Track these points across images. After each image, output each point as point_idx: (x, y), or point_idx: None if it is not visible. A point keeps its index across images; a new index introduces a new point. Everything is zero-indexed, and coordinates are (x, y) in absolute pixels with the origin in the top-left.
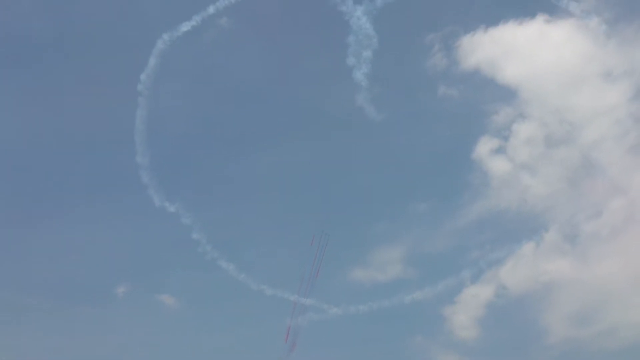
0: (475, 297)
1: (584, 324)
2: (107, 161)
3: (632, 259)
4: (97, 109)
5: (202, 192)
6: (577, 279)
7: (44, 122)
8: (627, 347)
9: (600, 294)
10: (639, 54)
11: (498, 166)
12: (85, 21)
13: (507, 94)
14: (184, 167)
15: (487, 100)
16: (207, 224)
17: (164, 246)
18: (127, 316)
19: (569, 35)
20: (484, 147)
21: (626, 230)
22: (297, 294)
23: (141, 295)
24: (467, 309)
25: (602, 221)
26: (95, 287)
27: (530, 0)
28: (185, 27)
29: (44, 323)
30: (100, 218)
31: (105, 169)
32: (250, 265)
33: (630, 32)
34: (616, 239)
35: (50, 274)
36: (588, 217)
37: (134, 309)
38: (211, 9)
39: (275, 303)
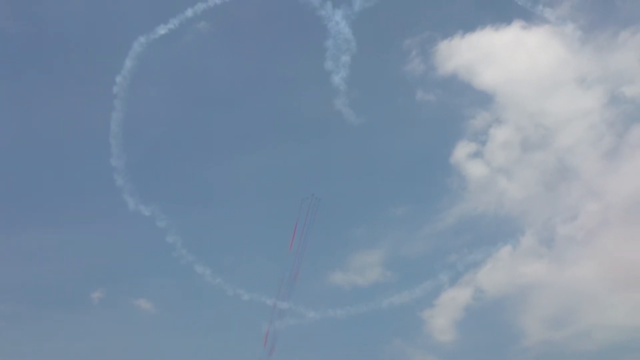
0: (454, 300)
1: (560, 326)
2: (81, 164)
3: (606, 262)
4: (71, 111)
5: (179, 195)
6: (553, 281)
7: (16, 124)
8: (602, 348)
9: (576, 297)
10: (613, 60)
11: (475, 170)
12: (60, 22)
13: (484, 98)
14: (161, 171)
15: (464, 105)
16: (183, 227)
17: (140, 250)
18: (103, 321)
19: (545, 41)
20: (461, 151)
21: (601, 234)
22: (275, 297)
23: (117, 300)
24: (445, 312)
25: (578, 224)
26: (69, 293)
27: (506, 6)
28: (162, 29)
29: (16, 330)
30: (74, 222)
31: (79, 172)
32: (228, 270)
33: (604, 39)
34: (591, 242)
35: (23, 279)
36: (564, 221)
37: (110, 314)
38: (189, 13)
39: (253, 307)
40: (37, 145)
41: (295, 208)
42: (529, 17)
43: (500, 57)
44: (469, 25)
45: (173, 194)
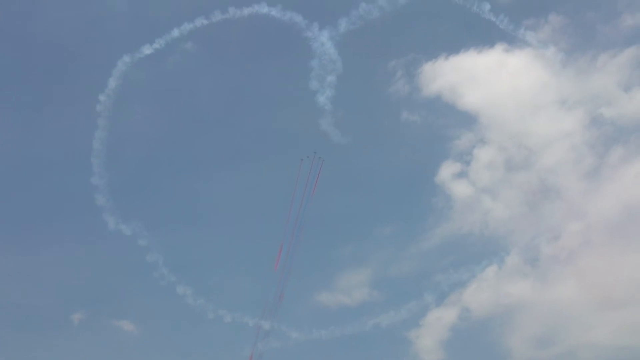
0: (440, 320)
1: (545, 345)
2: (61, 184)
3: (589, 282)
4: (53, 129)
5: (161, 214)
6: (538, 301)
7: None
8: None
9: (561, 316)
10: (593, 83)
11: (460, 190)
12: (44, 39)
13: (467, 119)
14: (143, 189)
15: (448, 125)
16: (165, 246)
17: (122, 271)
18: (84, 343)
19: (527, 64)
20: (446, 171)
21: (583, 254)
22: (260, 318)
23: (98, 322)
24: (431, 332)
25: (561, 244)
26: (49, 314)
27: (489, 30)
28: (147, 49)
29: None
30: (53, 242)
31: (59, 191)
32: (211, 290)
33: (584, 62)
34: (574, 262)
35: (1, 301)
36: (547, 240)
37: (92, 335)
38: (176, 33)
39: (237, 328)
40: (15, 164)
41: (280, 226)
42: (512, 40)
43: (484, 79)
44: (453, 47)
45: (155, 212)
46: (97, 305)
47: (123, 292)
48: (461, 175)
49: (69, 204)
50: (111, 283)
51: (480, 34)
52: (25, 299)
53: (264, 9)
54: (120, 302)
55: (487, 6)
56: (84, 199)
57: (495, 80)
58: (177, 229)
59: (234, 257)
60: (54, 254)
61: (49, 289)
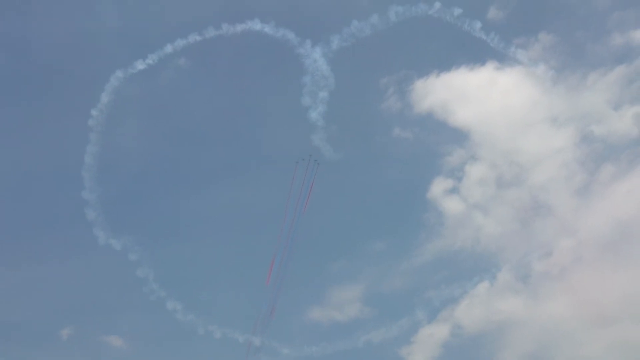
0: (432, 336)
1: None
2: (51, 197)
3: (581, 299)
4: (44, 143)
5: (152, 228)
6: (529, 318)
7: None
8: None
9: (553, 333)
10: (583, 100)
11: (452, 206)
12: (37, 52)
13: (459, 136)
14: (134, 204)
15: (440, 142)
16: (156, 261)
17: (111, 285)
18: (73, 359)
19: (518, 82)
20: (438, 187)
21: (575, 271)
22: (251, 334)
23: (87, 337)
24: (423, 349)
25: (552, 261)
26: (38, 330)
27: (480, 48)
28: (140, 65)
29: None
30: (42, 256)
31: (49, 205)
32: (201, 305)
33: (575, 80)
34: (566, 279)
35: None
36: (539, 257)
37: (80, 351)
38: (169, 49)
39: (228, 344)
40: (6, 177)
41: (272, 242)
42: (503, 58)
43: (475, 96)
44: (444, 65)
45: (146, 227)
46: (86, 320)
47: (112, 308)
48: (453, 191)
49: (59, 218)
50: (100, 298)
51: (472, 52)
52: (13, 314)
53: (257, 25)
54: (109, 317)
55: (478, 24)
56: (75, 213)
57: (486, 98)
58: (168, 243)
59: (225, 272)
60: (42, 269)
61: (37, 304)
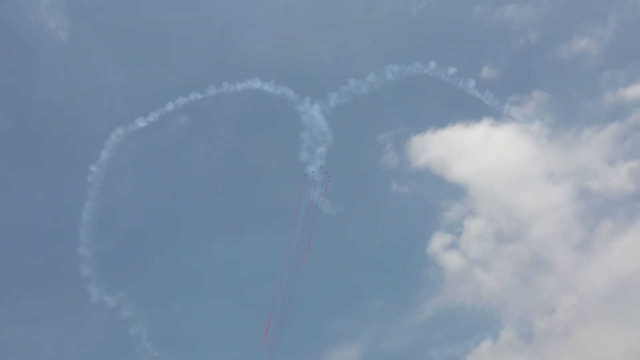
0: None
1: None
2: (46, 254)
3: (585, 356)
4: (41, 200)
5: (147, 286)
6: None
7: None
8: None
9: None
10: (579, 156)
11: (452, 261)
12: (39, 107)
13: (457, 191)
14: (130, 261)
15: (438, 197)
16: (150, 319)
17: (104, 344)
18: None
19: (513, 138)
20: (437, 242)
21: (578, 328)
22: None
23: None
24: None
25: (555, 318)
26: None
27: (476, 105)
28: (141, 122)
29: None
30: (35, 314)
31: (43, 262)
32: None
33: (569, 136)
34: (569, 337)
35: None
36: (541, 314)
37: None
38: (170, 107)
39: None
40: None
41: (269, 299)
42: (497, 115)
43: (471, 152)
44: (441, 121)
45: (141, 284)
46: None
47: None
48: (452, 246)
49: (53, 275)
50: (92, 357)
51: (467, 109)
52: None
53: (257, 84)
54: None
55: (472, 83)
56: (69, 269)
57: (482, 153)
58: (163, 300)
59: (220, 331)
60: (33, 326)
61: None
